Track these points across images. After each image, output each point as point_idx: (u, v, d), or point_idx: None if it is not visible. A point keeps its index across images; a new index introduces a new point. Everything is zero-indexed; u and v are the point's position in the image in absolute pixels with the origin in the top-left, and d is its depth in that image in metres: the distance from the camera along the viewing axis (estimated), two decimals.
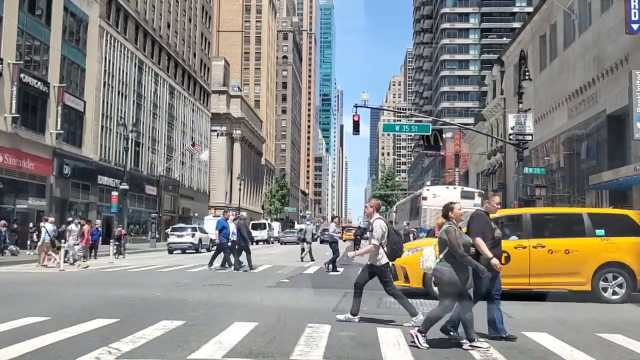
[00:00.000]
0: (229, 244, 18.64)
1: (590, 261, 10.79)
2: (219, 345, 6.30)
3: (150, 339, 6.63)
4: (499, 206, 7.41)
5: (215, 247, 20.71)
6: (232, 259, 18.39)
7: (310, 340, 6.67)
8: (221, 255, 19.02)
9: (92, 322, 7.61)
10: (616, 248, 10.85)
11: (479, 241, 6.76)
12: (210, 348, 6.17)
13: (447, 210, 6.85)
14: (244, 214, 21.65)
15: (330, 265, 18.44)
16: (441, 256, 6.57)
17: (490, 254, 6.71)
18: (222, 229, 18.58)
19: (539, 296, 11.52)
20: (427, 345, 6.40)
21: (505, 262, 10.70)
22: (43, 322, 7.61)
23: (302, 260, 22.92)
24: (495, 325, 6.97)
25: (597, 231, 10.97)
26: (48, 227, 20.11)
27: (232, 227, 18.64)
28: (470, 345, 6.43)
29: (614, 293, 10.79)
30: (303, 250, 24.10)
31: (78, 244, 21.06)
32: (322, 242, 47.33)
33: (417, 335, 6.47)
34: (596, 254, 10.84)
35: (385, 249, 8.00)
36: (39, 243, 20.30)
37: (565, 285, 11.11)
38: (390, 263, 8.20)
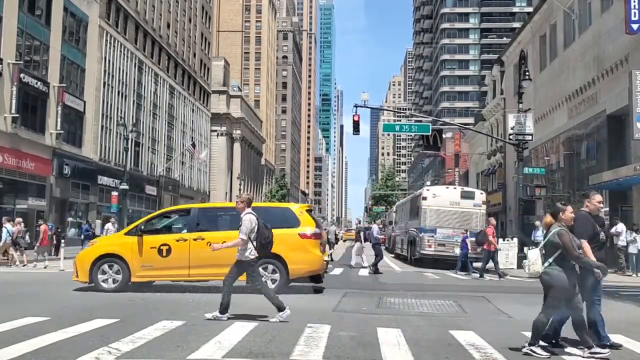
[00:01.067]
0: None
1: None
2: (219, 345, 6.30)
3: (150, 339, 6.63)
4: (602, 205, 6.98)
5: None
6: None
7: (310, 340, 6.68)
8: None
9: (92, 322, 7.61)
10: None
11: (585, 245, 6.45)
12: (210, 348, 6.17)
13: (558, 211, 6.44)
14: None
15: (373, 267, 18.73)
16: (551, 260, 6.28)
17: (595, 261, 6.38)
18: None
19: (539, 298, 11.46)
20: (547, 354, 6.17)
21: (166, 255, 11.11)
22: (43, 322, 7.61)
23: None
24: (597, 332, 6.56)
25: None
26: (8, 227, 20.13)
27: None
28: (590, 353, 6.16)
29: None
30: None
31: None
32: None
33: (531, 350, 6.22)
34: None
35: (255, 243, 8.11)
36: (0, 244, 20.23)
37: (223, 277, 11.34)
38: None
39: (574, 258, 6.19)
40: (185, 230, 11.56)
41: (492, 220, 19.35)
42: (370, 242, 20.64)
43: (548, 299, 6.41)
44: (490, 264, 18.52)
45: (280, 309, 8.02)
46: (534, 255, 6.42)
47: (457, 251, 21.11)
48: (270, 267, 11.16)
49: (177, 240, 11.27)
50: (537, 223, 21.93)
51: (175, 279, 11.52)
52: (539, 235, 21.74)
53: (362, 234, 22.41)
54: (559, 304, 6.29)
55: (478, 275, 18.28)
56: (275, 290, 10.83)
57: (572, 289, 6.24)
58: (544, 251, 6.48)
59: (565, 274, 6.21)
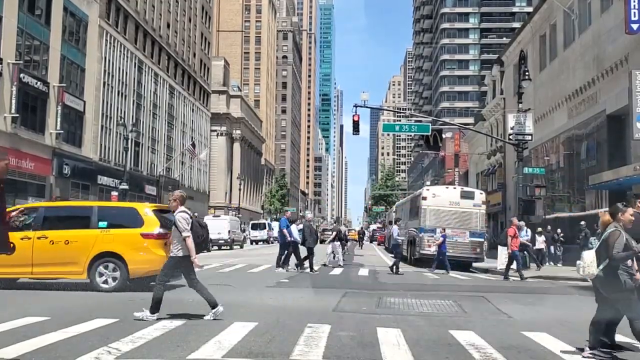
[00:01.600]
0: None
1: (87, 251, 11.32)
2: (219, 345, 6.30)
3: (149, 338, 6.62)
4: None
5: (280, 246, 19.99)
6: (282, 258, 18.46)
7: (310, 340, 6.67)
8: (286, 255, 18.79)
9: (92, 322, 7.60)
10: (112, 239, 11.33)
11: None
12: (210, 348, 6.17)
13: (617, 212, 6.15)
14: (309, 215, 22.09)
15: (394, 267, 18.63)
16: (606, 262, 6.01)
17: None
18: (286, 227, 18.45)
19: (539, 298, 11.48)
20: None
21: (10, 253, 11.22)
22: (43, 322, 7.60)
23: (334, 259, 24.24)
24: None
25: (100, 223, 11.44)
26: None
27: (294, 227, 18.75)
28: (590, 353, 6.15)
29: (105, 282, 11.24)
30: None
31: None
32: (321, 242, 47.95)
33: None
34: (93, 245, 11.34)
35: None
36: None
37: (65, 274, 11.62)
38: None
39: (609, 256, 5.93)
40: (31, 229, 11.62)
41: (515, 220, 19.07)
42: (389, 245, 20.37)
43: (620, 305, 6.10)
44: (504, 261, 18.39)
45: (213, 306, 8.06)
46: (589, 257, 6.14)
47: (459, 251, 21.08)
48: (111, 265, 11.24)
49: (22, 239, 11.26)
50: (522, 223, 21.75)
51: (19, 276, 11.71)
52: (522, 235, 21.57)
53: (336, 233, 22.66)
54: (633, 304, 5.99)
55: (519, 278, 17.92)
56: (112, 289, 11.10)
57: (630, 288, 5.97)
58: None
59: (617, 274, 5.96)
